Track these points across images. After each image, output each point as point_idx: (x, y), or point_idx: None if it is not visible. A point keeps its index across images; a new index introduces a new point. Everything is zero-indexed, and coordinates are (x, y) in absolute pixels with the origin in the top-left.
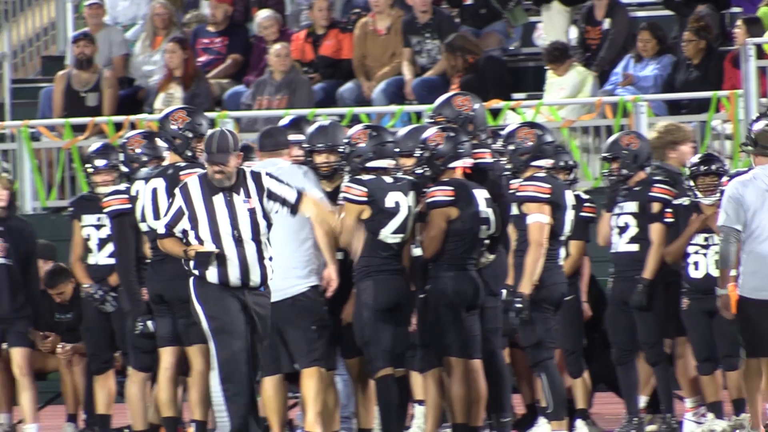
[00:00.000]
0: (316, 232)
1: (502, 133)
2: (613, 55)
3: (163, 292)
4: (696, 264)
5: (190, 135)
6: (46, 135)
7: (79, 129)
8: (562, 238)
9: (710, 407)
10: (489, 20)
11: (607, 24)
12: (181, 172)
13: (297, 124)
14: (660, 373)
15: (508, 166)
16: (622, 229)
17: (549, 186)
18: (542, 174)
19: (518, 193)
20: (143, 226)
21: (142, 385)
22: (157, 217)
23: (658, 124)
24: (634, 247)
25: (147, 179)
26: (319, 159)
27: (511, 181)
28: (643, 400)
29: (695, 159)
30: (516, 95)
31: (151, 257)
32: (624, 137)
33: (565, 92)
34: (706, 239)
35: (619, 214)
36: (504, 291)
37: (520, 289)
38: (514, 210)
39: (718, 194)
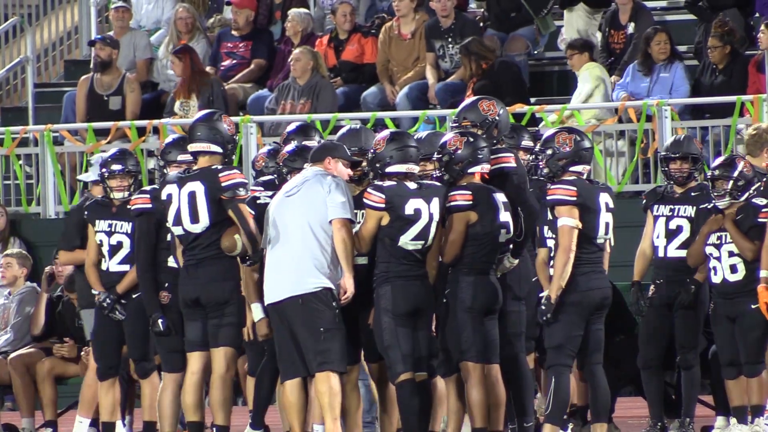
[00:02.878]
0: (335, 239)
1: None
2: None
3: (199, 294)
4: (714, 269)
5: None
6: (69, 139)
7: (102, 133)
8: (600, 241)
9: (735, 411)
10: (518, 25)
11: (631, 28)
12: (220, 175)
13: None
14: (688, 377)
15: (545, 171)
16: (673, 233)
17: (575, 189)
18: (572, 177)
19: (548, 197)
20: (177, 230)
21: (175, 388)
22: (194, 220)
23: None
24: (685, 252)
25: (179, 182)
26: None
27: (549, 186)
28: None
29: (714, 163)
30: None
31: (184, 261)
32: (693, 139)
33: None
34: (719, 238)
35: (669, 218)
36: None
37: (549, 292)
38: (550, 215)
39: (728, 197)
